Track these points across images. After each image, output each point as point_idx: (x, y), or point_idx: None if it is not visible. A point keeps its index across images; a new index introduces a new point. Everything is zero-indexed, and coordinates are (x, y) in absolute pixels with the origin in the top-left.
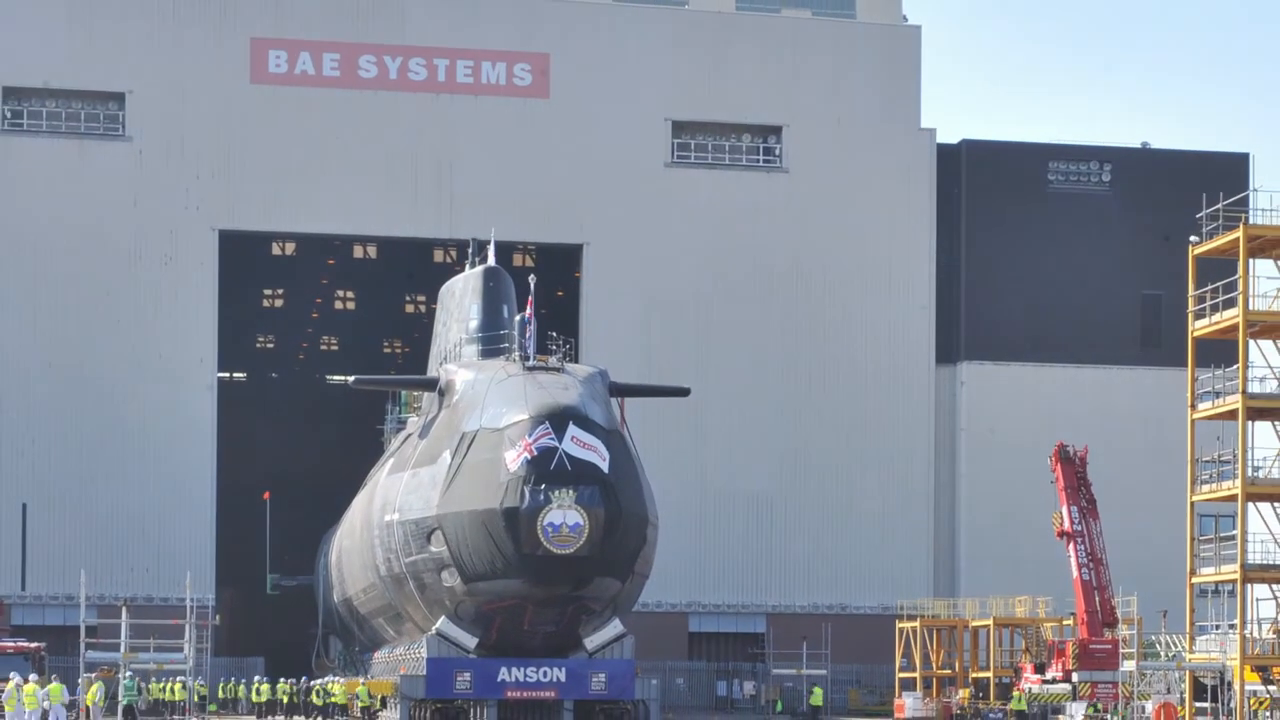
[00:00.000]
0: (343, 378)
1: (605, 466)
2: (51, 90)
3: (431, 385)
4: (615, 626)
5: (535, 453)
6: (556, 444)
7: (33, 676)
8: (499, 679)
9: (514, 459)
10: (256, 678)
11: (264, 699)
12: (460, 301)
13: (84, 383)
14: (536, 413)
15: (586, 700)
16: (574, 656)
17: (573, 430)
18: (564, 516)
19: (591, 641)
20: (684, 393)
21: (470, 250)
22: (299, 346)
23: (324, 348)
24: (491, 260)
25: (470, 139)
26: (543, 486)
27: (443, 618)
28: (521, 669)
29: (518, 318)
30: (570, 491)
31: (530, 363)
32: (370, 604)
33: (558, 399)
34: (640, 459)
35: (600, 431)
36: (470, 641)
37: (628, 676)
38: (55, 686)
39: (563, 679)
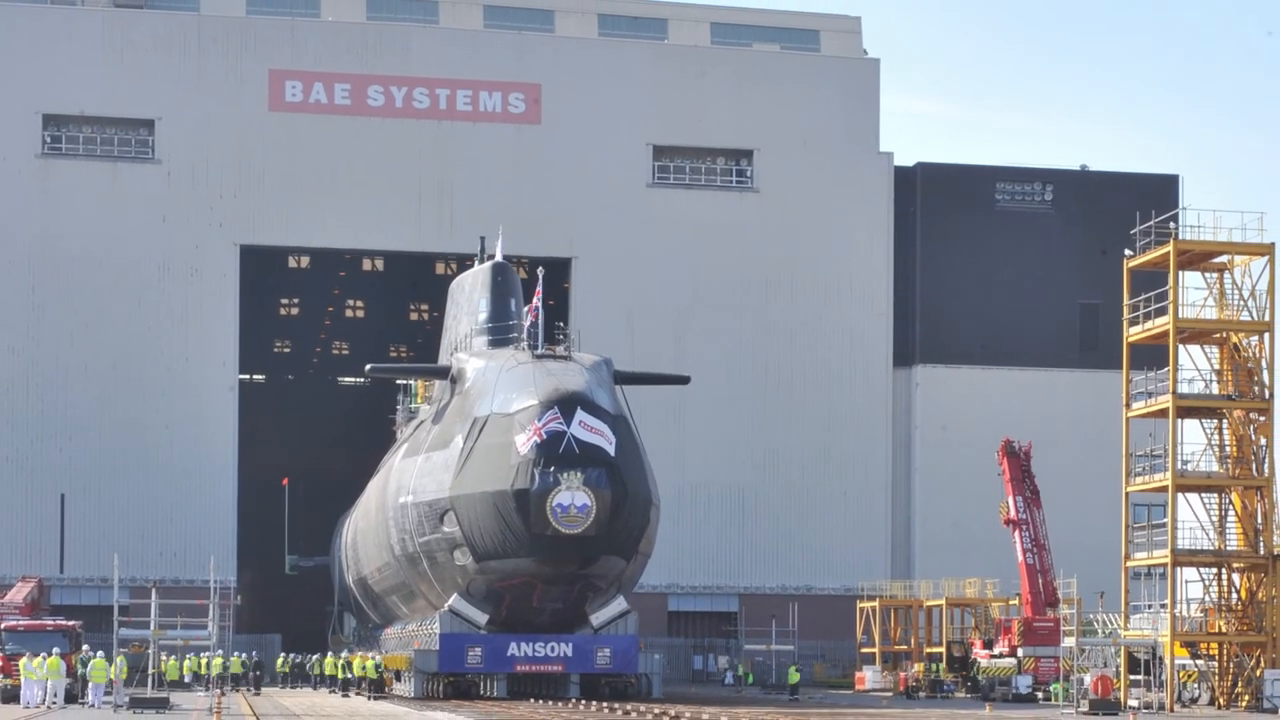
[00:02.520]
0: (353, 379)
1: (612, 450)
2: (87, 117)
3: (443, 373)
4: (619, 603)
5: (544, 436)
6: (565, 428)
7: (55, 650)
8: (509, 653)
9: (524, 442)
10: (241, 654)
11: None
12: (470, 295)
13: (117, 384)
14: (546, 398)
15: (592, 674)
16: (580, 632)
17: (580, 415)
18: (572, 498)
19: (597, 618)
20: (684, 380)
21: (479, 248)
22: (313, 351)
23: (335, 352)
24: (499, 255)
25: (469, 161)
26: (552, 469)
27: (455, 595)
28: (530, 644)
29: (526, 308)
30: (578, 474)
31: (539, 351)
32: (385, 582)
33: (566, 385)
34: (643, 443)
35: (607, 416)
36: (481, 618)
37: (632, 651)
38: (99, 661)
39: (569, 654)
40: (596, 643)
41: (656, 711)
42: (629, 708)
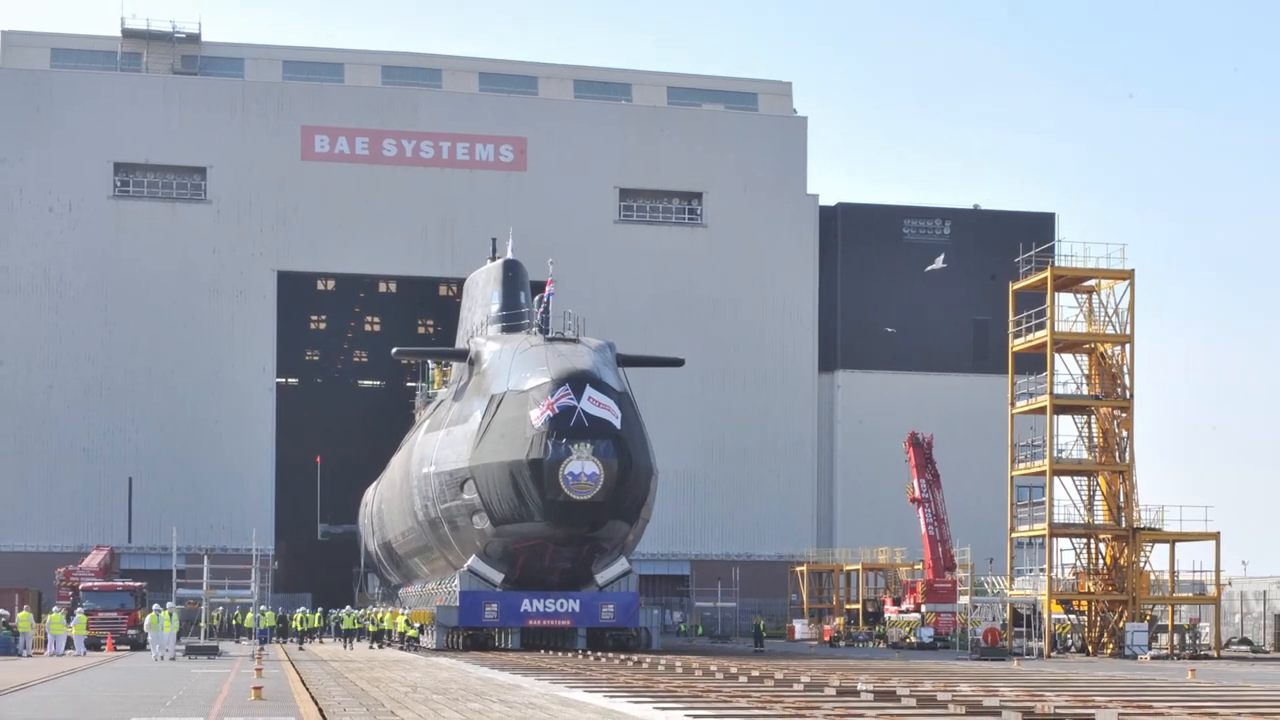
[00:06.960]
0: (371, 382)
1: (618, 423)
2: (151, 165)
3: (462, 356)
4: (622, 564)
5: (557, 411)
6: (575, 403)
7: (170, 605)
8: (522, 609)
9: (538, 416)
10: (263, 607)
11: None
12: (484, 289)
13: (176, 385)
14: (557, 376)
15: (597, 628)
16: (586, 590)
17: (589, 391)
18: (582, 467)
19: (602, 576)
20: (679, 363)
21: (491, 249)
22: (337, 359)
23: (356, 360)
24: (509, 253)
25: (466, 202)
26: (563, 440)
27: (473, 556)
28: (541, 601)
29: (538, 296)
30: (588, 445)
31: (549, 334)
32: (408, 545)
33: (575, 364)
34: (644, 419)
35: (613, 393)
36: (497, 577)
37: (633, 607)
38: (159, 615)
39: (577, 609)
40: (601, 599)
41: (620, 658)
42: (598, 655)
